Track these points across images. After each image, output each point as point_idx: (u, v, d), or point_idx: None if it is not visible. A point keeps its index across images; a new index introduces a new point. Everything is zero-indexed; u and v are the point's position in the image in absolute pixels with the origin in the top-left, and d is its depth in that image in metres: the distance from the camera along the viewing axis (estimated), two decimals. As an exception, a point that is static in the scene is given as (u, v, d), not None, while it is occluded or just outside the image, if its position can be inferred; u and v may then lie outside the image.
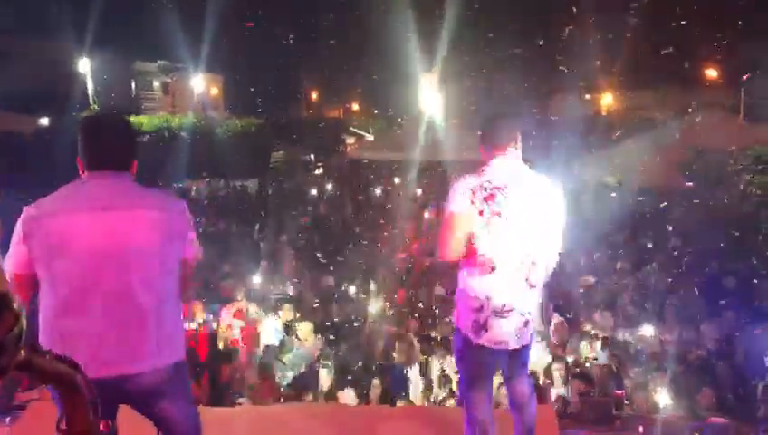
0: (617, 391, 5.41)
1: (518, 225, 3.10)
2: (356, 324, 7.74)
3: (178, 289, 2.65)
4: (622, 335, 7.30)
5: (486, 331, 3.14)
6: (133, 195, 2.55)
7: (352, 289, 8.78)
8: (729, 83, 28.85)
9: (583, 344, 6.74)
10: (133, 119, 20.22)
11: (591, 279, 8.83)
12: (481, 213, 3.09)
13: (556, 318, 7.57)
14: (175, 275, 2.61)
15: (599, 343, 6.84)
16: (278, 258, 10.41)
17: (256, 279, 8.72)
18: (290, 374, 6.41)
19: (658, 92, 35.69)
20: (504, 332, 3.14)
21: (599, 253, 10.84)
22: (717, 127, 13.87)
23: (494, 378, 3.52)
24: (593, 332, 7.16)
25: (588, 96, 40.95)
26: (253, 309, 7.63)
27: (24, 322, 0.52)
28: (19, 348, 0.52)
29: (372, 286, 8.80)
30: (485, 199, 3.09)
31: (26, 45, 22.65)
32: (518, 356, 3.34)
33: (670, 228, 11.92)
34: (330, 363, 6.47)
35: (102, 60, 23.12)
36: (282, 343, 6.95)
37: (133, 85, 32.96)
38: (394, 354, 6.83)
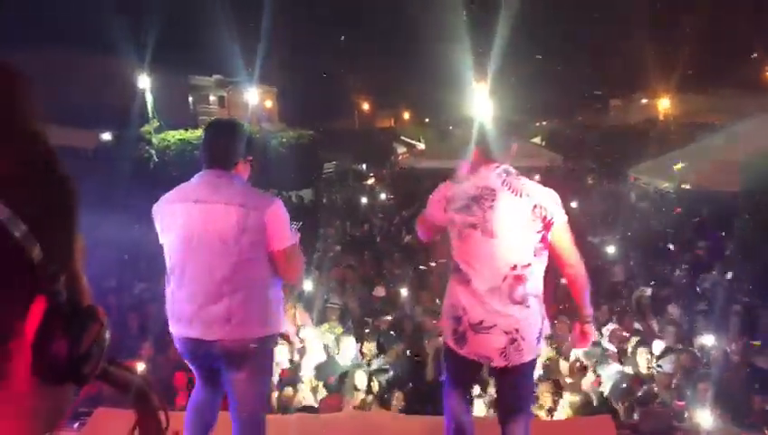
0: (678, 402, 5.28)
1: (501, 238, 2.90)
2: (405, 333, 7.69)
3: (267, 276, 3.03)
4: (682, 345, 7.10)
5: (466, 343, 3.01)
6: (223, 191, 2.96)
7: (404, 297, 8.75)
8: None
9: (641, 353, 6.56)
10: (191, 132, 20.74)
11: (648, 291, 8.64)
12: (453, 222, 3.01)
13: (611, 325, 7.45)
14: (258, 263, 2.99)
15: (657, 352, 6.68)
16: (330, 268, 10.46)
17: (308, 288, 8.77)
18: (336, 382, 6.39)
19: (716, 96, 34.80)
20: (486, 348, 2.97)
21: (657, 259, 10.61)
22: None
23: (473, 384, 3.46)
24: (652, 341, 6.98)
25: (644, 101, 40.24)
26: (305, 320, 7.68)
27: (107, 333, 0.58)
28: (102, 357, 0.58)
29: (425, 295, 8.76)
30: (460, 210, 2.99)
31: (87, 61, 23.46)
32: (508, 380, 3.10)
33: (730, 234, 11.58)
34: (377, 371, 6.47)
35: (160, 75, 23.79)
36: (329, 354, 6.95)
37: (190, 99, 33.81)
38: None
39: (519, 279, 2.90)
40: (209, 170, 3.04)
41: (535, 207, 2.89)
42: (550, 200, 2.93)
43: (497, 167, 3.00)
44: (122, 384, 0.82)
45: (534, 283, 2.95)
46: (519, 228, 2.89)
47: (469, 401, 3.46)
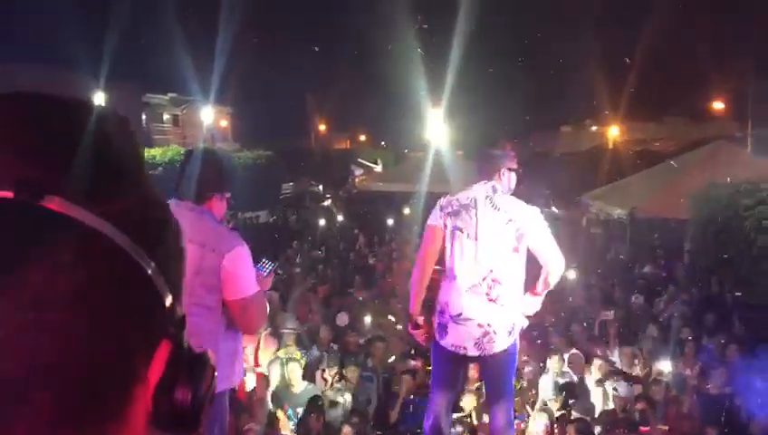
0: (642, 428, 5.39)
1: (481, 243, 3.45)
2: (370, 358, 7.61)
3: (223, 327, 2.76)
4: (640, 370, 7.25)
5: (447, 334, 3.49)
6: (186, 227, 2.63)
7: (368, 322, 8.70)
8: (737, 116, 29.04)
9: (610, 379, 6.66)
10: (146, 151, 20.36)
11: (611, 313, 8.78)
12: (445, 226, 3.57)
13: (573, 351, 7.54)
14: (215, 313, 2.71)
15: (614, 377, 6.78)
16: (290, 291, 10.30)
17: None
18: (299, 410, 6.22)
19: (664, 125, 35.89)
20: (462, 338, 3.45)
21: (611, 285, 10.83)
22: (726, 160, 13.84)
23: (456, 384, 3.81)
24: (616, 366, 7.11)
25: (594, 128, 41.19)
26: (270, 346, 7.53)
27: (216, 379, 0.57)
28: (211, 405, 0.58)
29: (389, 318, 8.71)
30: (450, 214, 3.56)
31: (39, 76, 22.86)
32: (490, 369, 3.62)
33: (680, 261, 11.92)
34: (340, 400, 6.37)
35: (114, 92, 23.37)
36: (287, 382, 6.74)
37: (144, 117, 33.20)
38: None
39: (496, 281, 3.43)
40: (179, 202, 2.80)
41: (509, 220, 3.47)
42: (523, 215, 3.52)
43: (486, 183, 3.60)
44: None
45: (510, 285, 3.48)
46: (496, 237, 3.44)
47: (451, 422, 3.84)
